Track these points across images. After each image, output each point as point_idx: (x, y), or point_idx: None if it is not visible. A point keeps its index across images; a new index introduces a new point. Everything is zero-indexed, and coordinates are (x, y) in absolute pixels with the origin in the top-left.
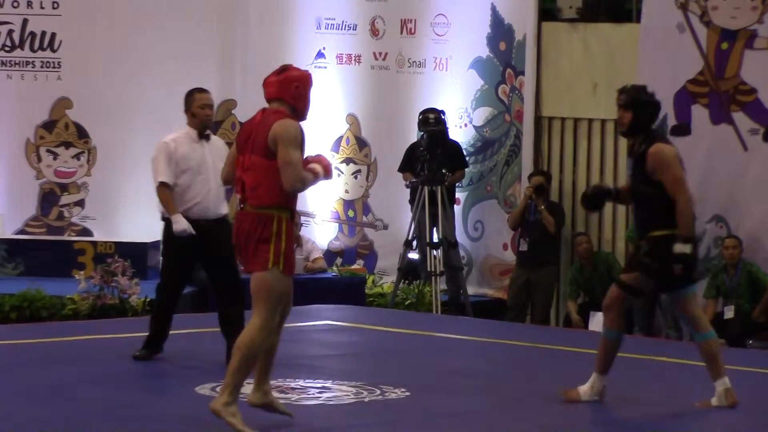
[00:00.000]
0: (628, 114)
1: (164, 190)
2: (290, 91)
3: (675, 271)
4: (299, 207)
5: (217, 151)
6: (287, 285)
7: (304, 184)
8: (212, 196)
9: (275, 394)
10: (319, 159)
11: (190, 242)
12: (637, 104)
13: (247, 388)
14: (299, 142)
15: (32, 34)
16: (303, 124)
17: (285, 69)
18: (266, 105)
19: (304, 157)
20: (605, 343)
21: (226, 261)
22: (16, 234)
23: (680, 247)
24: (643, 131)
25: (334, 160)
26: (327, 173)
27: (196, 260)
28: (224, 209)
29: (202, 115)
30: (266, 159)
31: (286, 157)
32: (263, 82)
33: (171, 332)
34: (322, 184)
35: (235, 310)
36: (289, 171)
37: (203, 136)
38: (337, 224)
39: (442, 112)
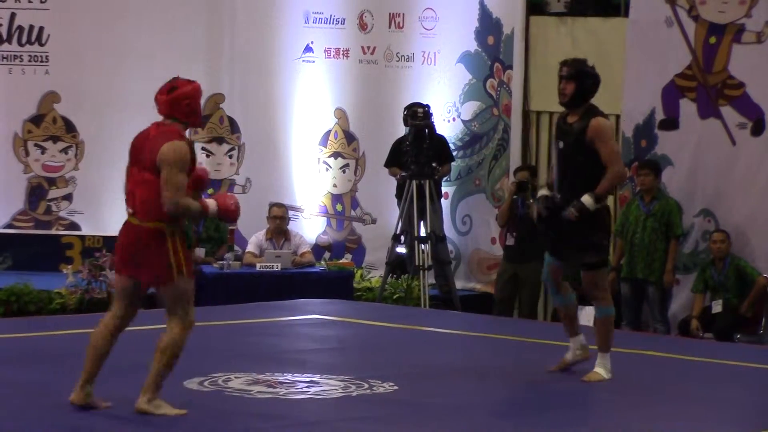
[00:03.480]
0: (571, 85)
1: None
2: (182, 108)
3: (568, 213)
4: (288, 200)
5: None
6: (192, 284)
7: (179, 210)
8: None
9: (263, 388)
10: (223, 196)
11: None
12: (580, 75)
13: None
14: (185, 163)
15: (20, 28)
16: (291, 119)
17: (174, 87)
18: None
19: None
20: (567, 309)
21: None
22: (4, 228)
23: (587, 199)
24: (583, 103)
25: (323, 154)
26: (225, 214)
27: None
28: None
29: None
30: (156, 176)
31: (167, 179)
32: (154, 98)
33: (157, 326)
34: (310, 178)
35: None
36: (167, 193)
37: None
38: (325, 218)
39: (428, 106)
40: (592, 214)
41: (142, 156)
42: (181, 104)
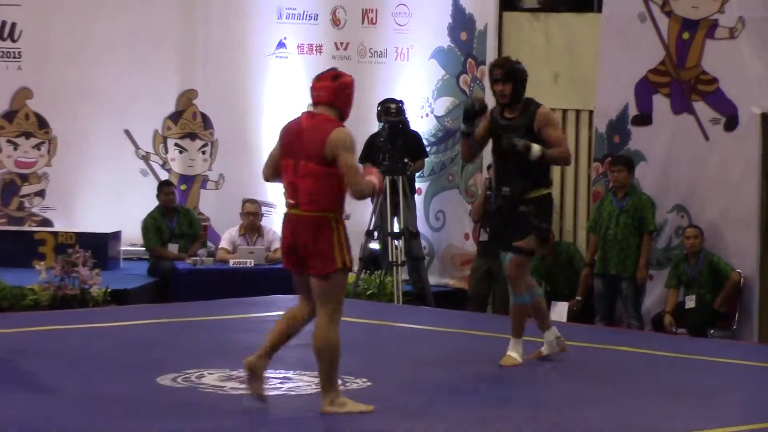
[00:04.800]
0: (508, 86)
1: None
2: (343, 97)
3: (516, 143)
4: (261, 196)
5: None
6: (347, 279)
7: (365, 193)
8: None
9: (237, 384)
10: (374, 171)
11: None
12: (514, 74)
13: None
14: (354, 149)
15: None
16: (265, 114)
17: (338, 75)
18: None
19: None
20: (524, 309)
21: None
22: None
23: (536, 147)
24: (520, 99)
25: None
26: (381, 188)
27: None
28: None
29: None
30: (322, 166)
31: (349, 163)
32: (314, 84)
33: (131, 323)
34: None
35: None
36: (354, 177)
37: None
38: None
39: (401, 102)
40: (539, 203)
41: (301, 147)
42: (344, 93)
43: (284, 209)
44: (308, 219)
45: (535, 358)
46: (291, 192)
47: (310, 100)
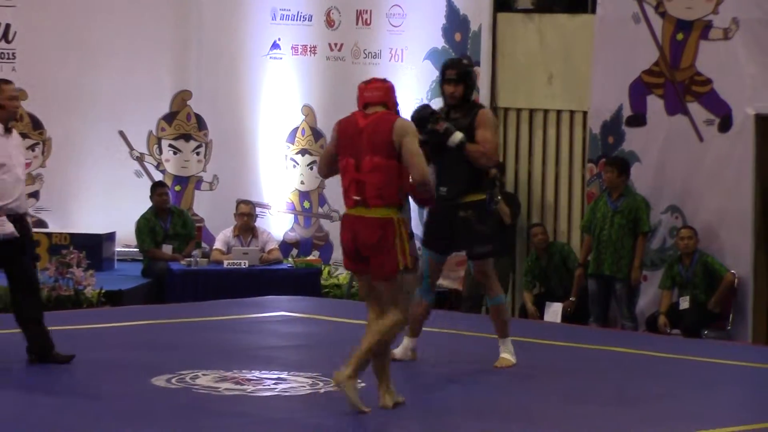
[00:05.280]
0: (460, 87)
1: None
2: (393, 98)
3: (439, 124)
4: (255, 197)
5: (17, 144)
6: (415, 279)
7: (427, 180)
8: (23, 192)
9: (231, 385)
10: None
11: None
12: (466, 76)
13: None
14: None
15: None
16: (259, 115)
17: (386, 80)
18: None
19: None
20: (501, 308)
21: (26, 255)
22: None
23: (460, 133)
24: (468, 101)
25: (290, 151)
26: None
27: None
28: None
29: (12, 107)
30: (389, 159)
31: (415, 147)
32: (366, 86)
33: (126, 324)
34: (277, 175)
35: (33, 301)
36: (420, 160)
37: (7, 130)
38: (292, 215)
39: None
40: (478, 207)
41: (364, 144)
42: (394, 94)
43: (343, 211)
44: (372, 220)
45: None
46: (356, 189)
47: (359, 104)
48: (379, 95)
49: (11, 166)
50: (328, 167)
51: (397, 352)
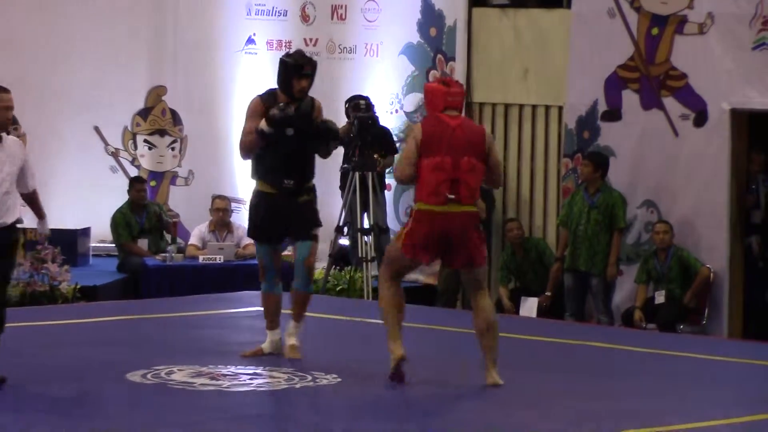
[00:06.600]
0: (310, 82)
1: None
2: (463, 104)
3: (327, 124)
4: (231, 193)
5: (10, 154)
6: None
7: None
8: (11, 204)
9: (206, 381)
10: None
11: None
12: (314, 72)
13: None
14: None
15: None
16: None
17: (461, 84)
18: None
19: None
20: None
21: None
22: None
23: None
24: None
25: None
26: None
27: None
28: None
29: (5, 117)
30: (482, 162)
31: (500, 158)
32: (449, 90)
33: (101, 319)
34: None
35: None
36: (501, 169)
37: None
38: None
39: (368, 98)
40: (312, 191)
41: (462, 144)
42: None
43: (427, 206)
44: (466, 215)
45: (255, 354)
46: (449, 187)
47: (436, 105)
48: (460, 101)
49: None
50: (412, 168)
51: (266, 347)
